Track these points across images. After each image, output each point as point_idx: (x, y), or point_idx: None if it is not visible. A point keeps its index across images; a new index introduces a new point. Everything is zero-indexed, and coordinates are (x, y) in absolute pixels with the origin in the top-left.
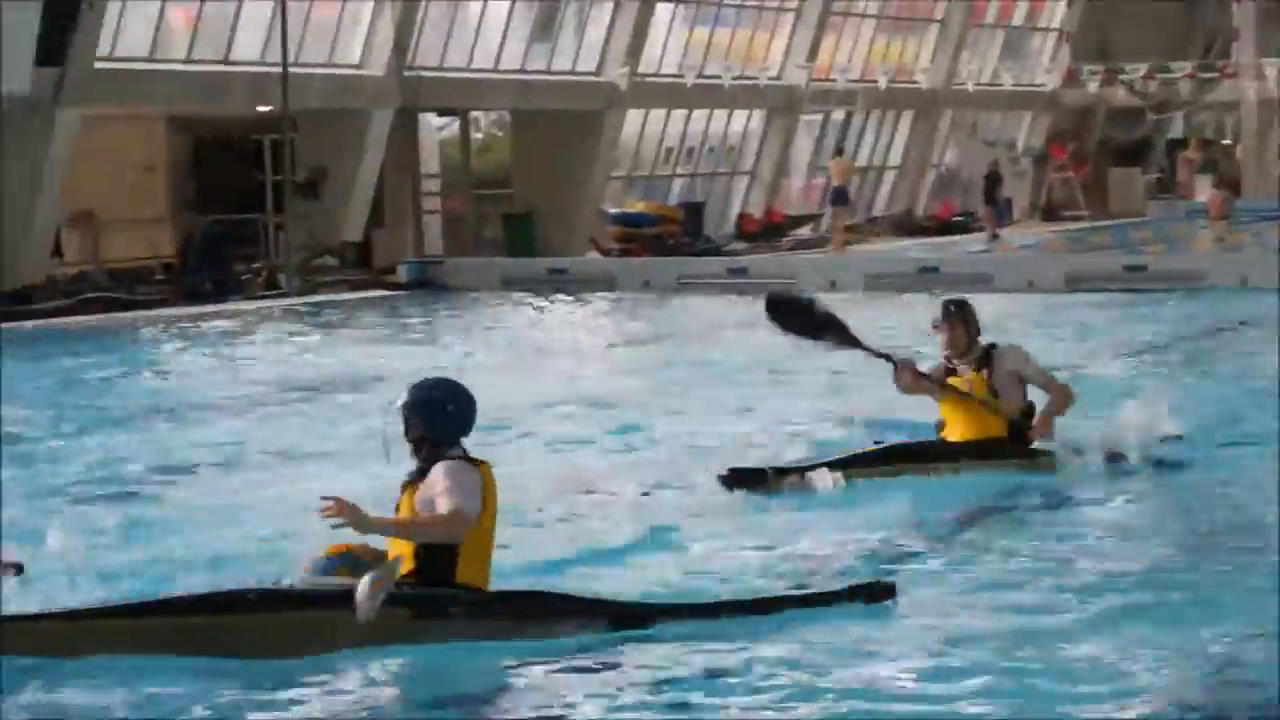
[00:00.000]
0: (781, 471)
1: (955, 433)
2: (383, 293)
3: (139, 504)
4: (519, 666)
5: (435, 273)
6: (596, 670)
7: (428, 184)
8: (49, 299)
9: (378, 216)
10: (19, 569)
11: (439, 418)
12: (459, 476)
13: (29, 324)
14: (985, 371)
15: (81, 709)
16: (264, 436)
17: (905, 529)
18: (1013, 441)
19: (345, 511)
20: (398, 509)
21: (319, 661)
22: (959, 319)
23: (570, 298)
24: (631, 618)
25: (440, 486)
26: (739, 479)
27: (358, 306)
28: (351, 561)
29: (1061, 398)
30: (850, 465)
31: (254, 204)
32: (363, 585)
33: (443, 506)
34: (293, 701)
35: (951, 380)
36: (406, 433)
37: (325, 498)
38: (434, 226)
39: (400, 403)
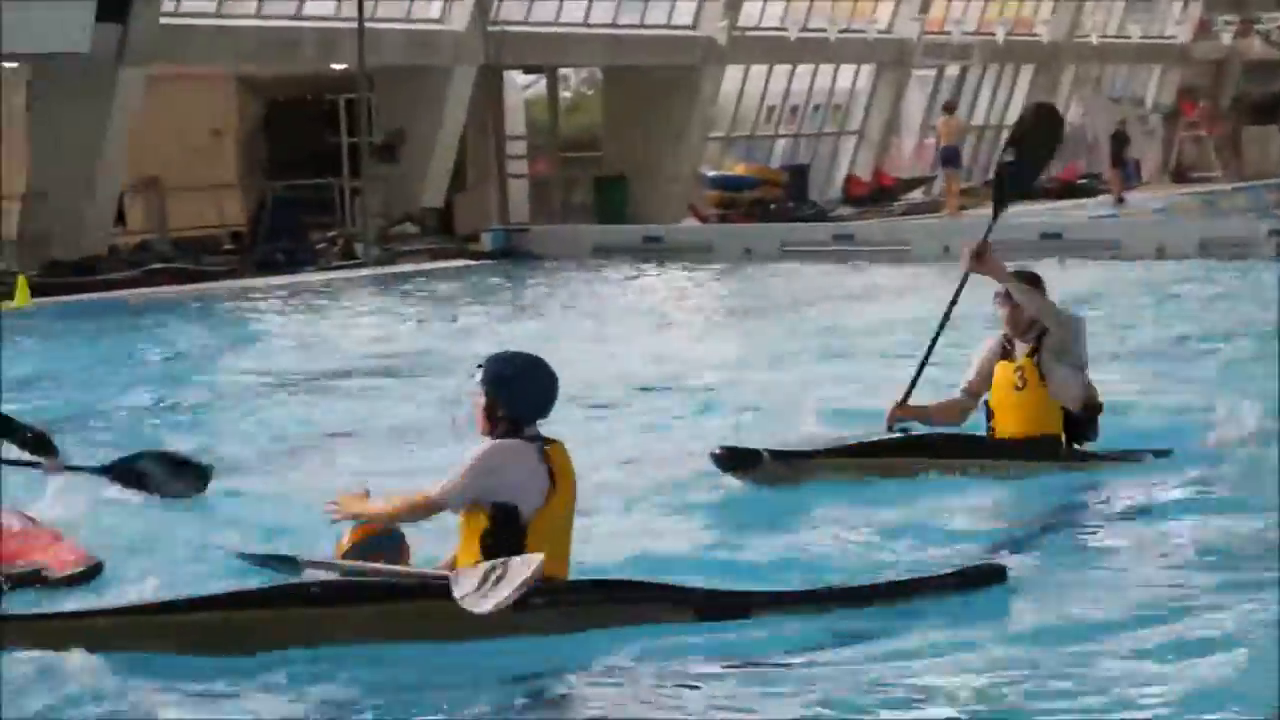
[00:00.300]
0: (778, 455)
1: (1000, 426)
2: (465, 262)
3: (251, 481)
4: (603, 658)
5: (521, 241)
6: (686, 662)
7: (512, 146)
8: (111, 270)
9: (459, 181)
10: (96, 570)
11: (514, 395)
12: (475, 457)
13: (90, 296)
14: (1036, 356)
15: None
16: (339, 414)
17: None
18: (1068, 440)
19: (348, 507)
20: None
21: (387, 653)
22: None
23: (665, 267)
24: (724, 607)
25: (454, 469)
26: (732, 459)
27: (439, 276)
28: (397, 543)
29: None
30: (860, 455)
31: (328, 168)
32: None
33: (431, 489)
34: (372, 690)
35: (1001, 365)
36: (478, 410)
37: (331, 503)
38: (519, 191)
39: (475, 378)
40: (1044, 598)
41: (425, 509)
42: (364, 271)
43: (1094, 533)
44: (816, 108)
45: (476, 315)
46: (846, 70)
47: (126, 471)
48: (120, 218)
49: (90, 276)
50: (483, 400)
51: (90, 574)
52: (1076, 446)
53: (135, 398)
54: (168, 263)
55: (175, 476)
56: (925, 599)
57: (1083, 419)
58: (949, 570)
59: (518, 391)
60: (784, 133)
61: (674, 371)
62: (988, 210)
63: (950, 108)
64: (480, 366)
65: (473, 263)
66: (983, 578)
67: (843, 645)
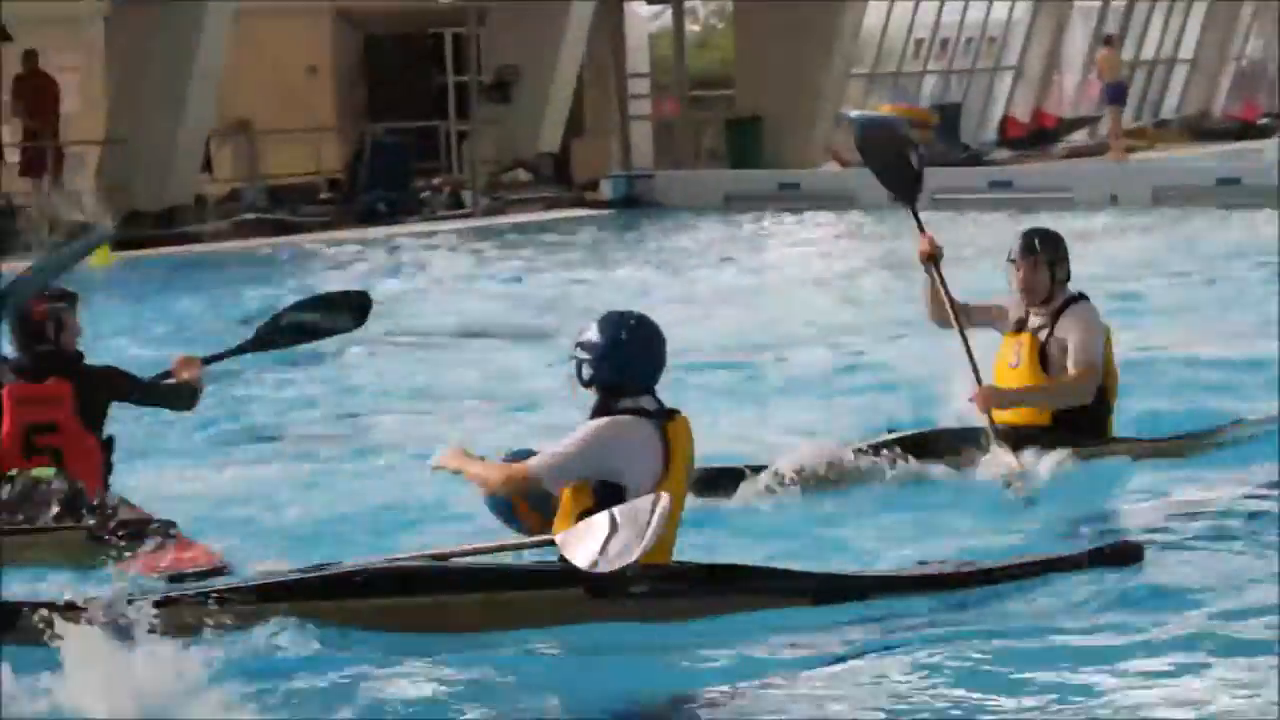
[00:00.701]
0: (759, 470)
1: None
2: (583, 212)
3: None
4: (711, 647)
5: (644, 188)
6: (799, 651)
7: (635, 85)
8: (198, 221)
9: (577, 124)
10: (222, 572)
11: (617, 360)
12: (585, 435)
13: (175, 250)
14: (1045, 332)
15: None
16: (446, 376)
17: None
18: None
19: (451, 460)
20: None
21: (490, 640)
22: (1043, 258)
23: (804, 217)
24: (841, 591)
25: (557, 444)
26: (706, 484)
27: (553, 228)
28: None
29: (1058, 391)
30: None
31: (433, 110)
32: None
33: (529, 460)
34: (471, 683)
35: (1008, 338)
36: (580, 374)
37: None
38: (642, 135)
39: (578, 340)
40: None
41: (521, 483)
42: (472, 222)
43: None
44: (969, 41)
45: (594, 270)
46: (1002, 0)
47: (277, 333)
48: (207, 165)
49: (175, 228)
50: (586, 364)
51: (218, 574)
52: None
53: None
54: (260, 213)
55: (333, 314)
56: (1057, 578)
57: (1091, 409)
58: (1085, 550)
59: (617, 356)
60: (933, 69)
61: (813, 334)
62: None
63: (1110, 40)
64: (584, 328)
65: (591, 213)
66: (1119, 556)
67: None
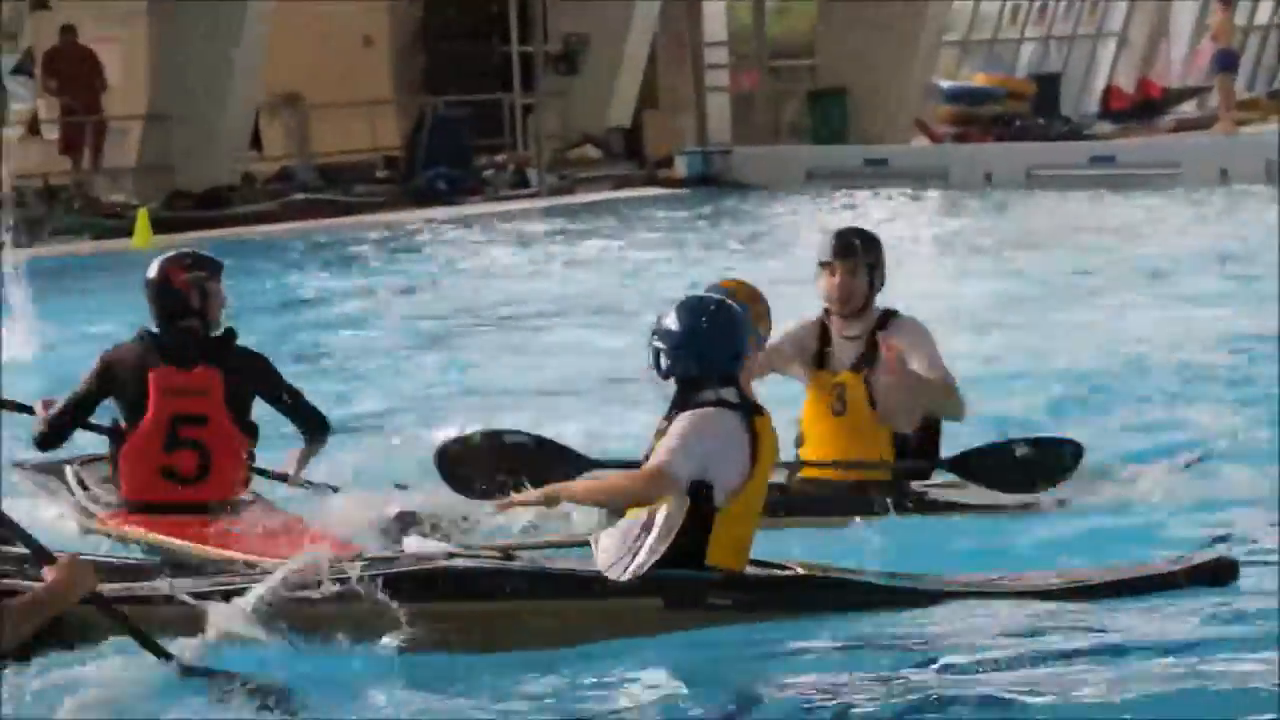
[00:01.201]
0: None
1: (815, 451)
2: (657, 190)
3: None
4: (788, 657)
5: (722, 165)
6: (875, 661)
7: (711, 55)
8: (246, 201)
9: (649, 96)
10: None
11: (697, 349)
12: (692, 426)
13: (221, 232)
14: (866, 367)
15: None
16: (513, 365)
17: None
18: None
19: (531, 500)
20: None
21: (562, 654)
22: (861, 261)
23: (892, 194)
24: (919, 599)
25: (665, 438)
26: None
27: (625, 207)
28: None
29: (940, 394)
30: None
31: (496, 82)
32: None
33: (649, 462)
34: (541, 696)
35: (816, 378)
36: (658, 365)
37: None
38: (720, 108)
39: (655, 329)
40: None
41: (648, 487)
42: (538, 202)
43: None
44: (1070, 6)
45: (667, 252)
46: None
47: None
48: (255, 141)
49: (221, 209)
50: (662, 352)
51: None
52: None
53: (269, 349)
54: (311, 192)
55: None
56: (1149, 594)
57: (915, 441)
58: (1179, 566)
59: (696, 345)
60: (1031, 35)
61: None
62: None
63: (1227, 2)
64: (660, 313)
65: (665, 191)
66: (1214, 574)
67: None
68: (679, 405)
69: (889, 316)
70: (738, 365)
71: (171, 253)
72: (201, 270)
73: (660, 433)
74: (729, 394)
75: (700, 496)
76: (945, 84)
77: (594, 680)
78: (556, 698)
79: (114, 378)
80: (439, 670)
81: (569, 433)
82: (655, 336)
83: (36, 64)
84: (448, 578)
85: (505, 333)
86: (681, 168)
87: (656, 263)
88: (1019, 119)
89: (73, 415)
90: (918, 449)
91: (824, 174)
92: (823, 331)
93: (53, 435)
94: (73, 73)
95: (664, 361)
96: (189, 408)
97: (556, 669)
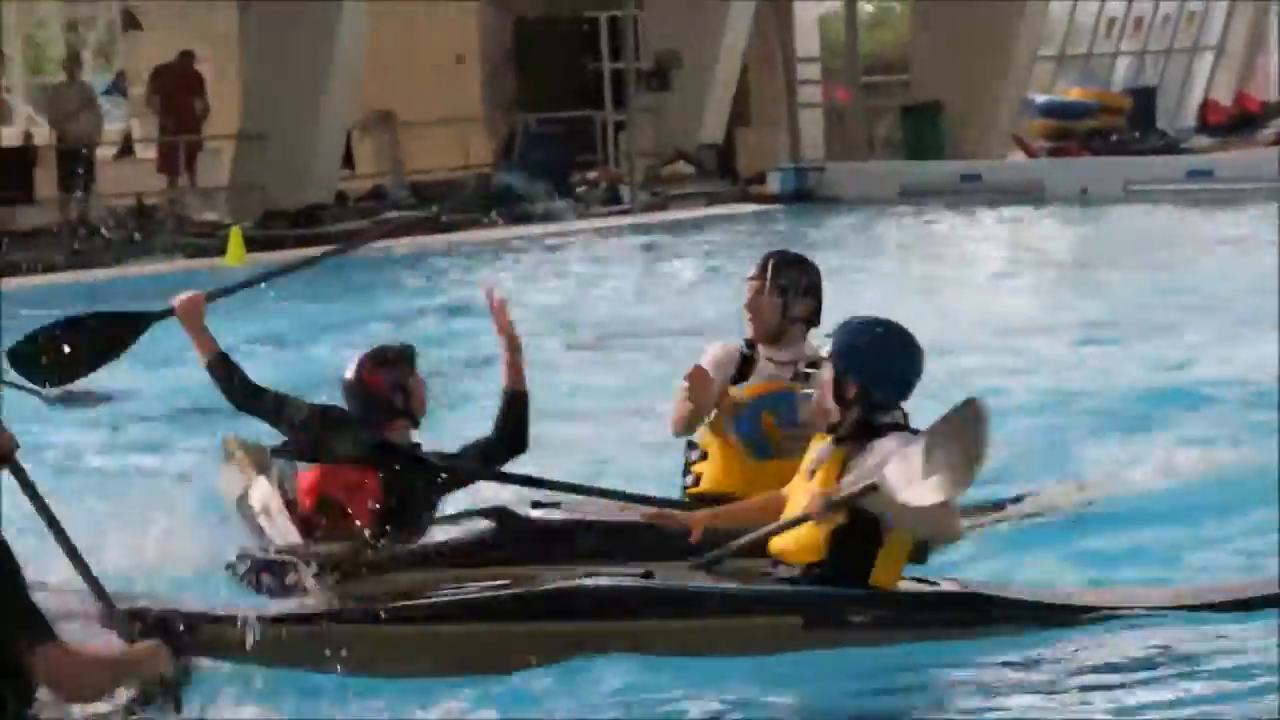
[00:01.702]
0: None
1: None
2: (750, 207)
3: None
4: (938, 670)
5: (815, 181)
6: (1032, 680)
7: (804, 71)
8: (339, 220)
9: (742, 113)
10: None
11: (875, 372)
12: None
13: (314, 250)
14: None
15: None
16: (611, 386)
17: None
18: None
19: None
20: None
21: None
22: (772, 281)
23: (987, 210)
24: (1074, 617)
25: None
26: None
27: (717, 224)
28: None
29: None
30: None
31: (588, 99)
32: None
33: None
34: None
35: (742, 391)
36: (840, 392)
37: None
38: (813, 124)
39: (828, 350)
40: None
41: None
42: (630, 219)
43: None
44: (1166, 19)
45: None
46: None
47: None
48: (348, 159)
49: (314, 228)
50: (830, 377)
51: None
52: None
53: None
54: (404, 210)
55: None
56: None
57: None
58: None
59: (882, 369)
60: (1127, 49)
61: (999, 334)
62: None
63: None
64: (829, 336)
65: (758, 208)
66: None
67: None
68: (859, 433)
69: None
70: (908, 393)
71: (368, 350)
72: (398, 365)
73: (842, 459)
74: (898, 417)
75: (868, 520)
76: (1040, 98)
77: (729, 698)
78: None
79: None
80: (566, 683)
81: (666, 460)
82: (839, 359)
83: (129, 84)
84: (586, 597)
85: (594, 351)
86: (774, 184)
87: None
88: (1115, 133)
89: None
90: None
91: (918, 190)
92: (745, 357)
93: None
94: (175, 92)
95: (841, 380)
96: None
97: (692, 684)
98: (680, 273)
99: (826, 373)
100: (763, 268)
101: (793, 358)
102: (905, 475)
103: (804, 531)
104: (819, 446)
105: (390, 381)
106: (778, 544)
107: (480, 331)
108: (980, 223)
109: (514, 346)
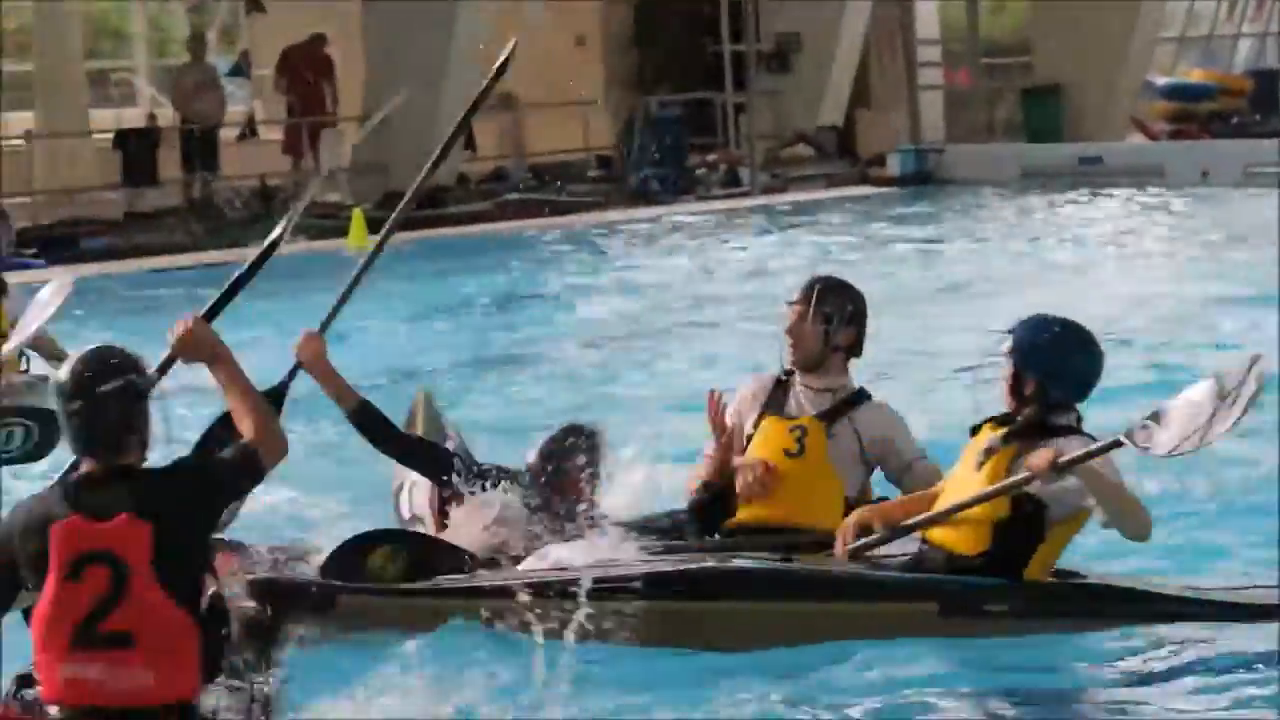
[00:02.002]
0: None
1: (746, 508)
2: (869, 189)
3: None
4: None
5: (935, 163)
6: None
7: (924, 53)
8: (460, 202)
9: (862, 95)
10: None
11: (1056, 372)
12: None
13: (436, 232)
14: (833, 420)
15: None
16: (725, 369)
17: None
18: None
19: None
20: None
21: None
22: (817, 309)
23: (1108, 193)
24: (1213, 612)
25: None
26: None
27: (837, 206)
28: None
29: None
30: None
31: (708, 81)
32: None
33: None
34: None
35: (771, 422)
36: (1019, 388)
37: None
38: (933, 106)
39: (1007, 345)
40: None
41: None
42: (749, 201)
43: None
44: None
45: (880, 252)
46: None
47: None
48: (469, 142)
49: (436, 209)
50: (1010, 374)
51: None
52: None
53: (485, 349)
54: (525, 192)
55: None
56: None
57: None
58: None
59: (1061, 367)
60: (1249, 31)
61: (1125, 321)
62: None
63: None
64: (1009, 333)
65: (878, 190)
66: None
67: None
68: (1033, 431)
69: (861, 396)
70: (1086, 395)
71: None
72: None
73: (1013, 454)
74: (1066, 419)
75: (1032, 513)
76: (1161, 81)
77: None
78: (825, 697)
79: None
80: (696, 669)
81: None
82: (1018, 355)
83: (253, 66)
84: (726, 579)
85: (713, 332)
86: (894, 166)
87: (866, 262)
88: (1236, 115)
89: None
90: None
91: (1038, 172)
92: (779, 383)
93: None
94: (304, 73)
95: (1020, 376)
96: None
97: (824, 670)
98: (799, 254)
99: (1005, 367)
100: (807, 292)
101: (829, 386)
102: (1161, 423)
103: (967, 524)
104: (988, 437)
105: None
106: (938, 535)
107: (596, 312)
108: (1100, 205)
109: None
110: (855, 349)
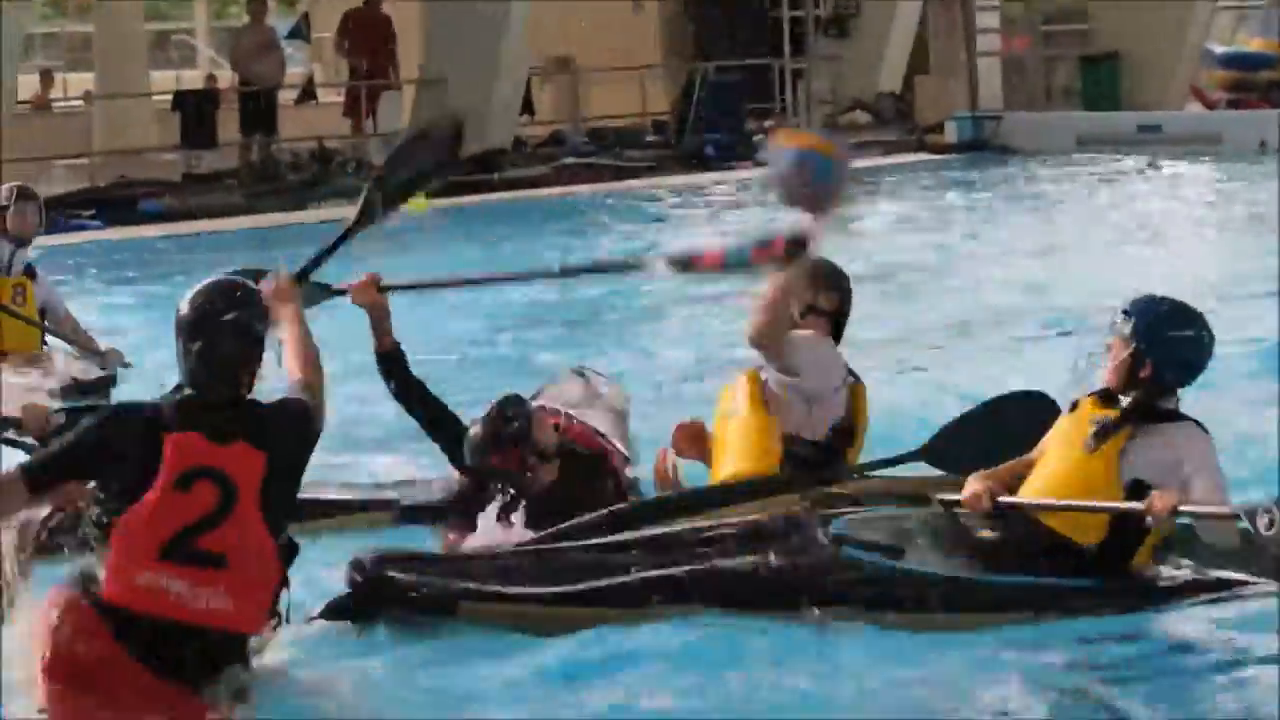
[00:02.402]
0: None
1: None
2: (927, 156)
3: None
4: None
5: (993, 131)
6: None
7: (983, 19)
8: (518, 166)
9: (920, 61)
10: None
11: (1172, 356)
12: (1212, 452)
13: (494, 197)
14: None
15: None
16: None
17: None
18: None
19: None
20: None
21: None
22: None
23: (1166, 162)
24: None
25: (1197, 462)
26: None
27: (896, 173)
28: None
29: None
30: None
31: (765, 47)
32: None
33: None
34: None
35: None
36: (1136, 368)
37: None
38: (991, 73)
39: (1128, 326)
40: None
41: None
42: None
43: None
44: None
45: (935, 220)
46: None
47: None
48: (527, 105)
49: (494, 174)
50: (1126, 355)
51: None
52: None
53: (542, 315)
54: (583, 156)
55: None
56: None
57: (809, 455)
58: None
59: (1181, 353)
60: None
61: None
62: None
63: None
64: (1126, 313)
65: (935, 157)
66: None
67: None
68: (1138, 414)
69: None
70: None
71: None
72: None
73: (1118, 434)
74: (1170, 403)
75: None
76: (1220, 49)
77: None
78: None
79: None
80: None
81: None
82: (1138, 337)
83: (311, 28)
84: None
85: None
86: (952, 133)
87: (925, 229)
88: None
89: None
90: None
91: (1096, 140)
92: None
93: None
94: (366, 36)
95: (1125, 358)
96: None
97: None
98: (854, 222)
99: (1119, 347)
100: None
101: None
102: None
103: (1086, 513)
104: (1094, 415)
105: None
106: (1052, 519)
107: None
108: (1158, 174)
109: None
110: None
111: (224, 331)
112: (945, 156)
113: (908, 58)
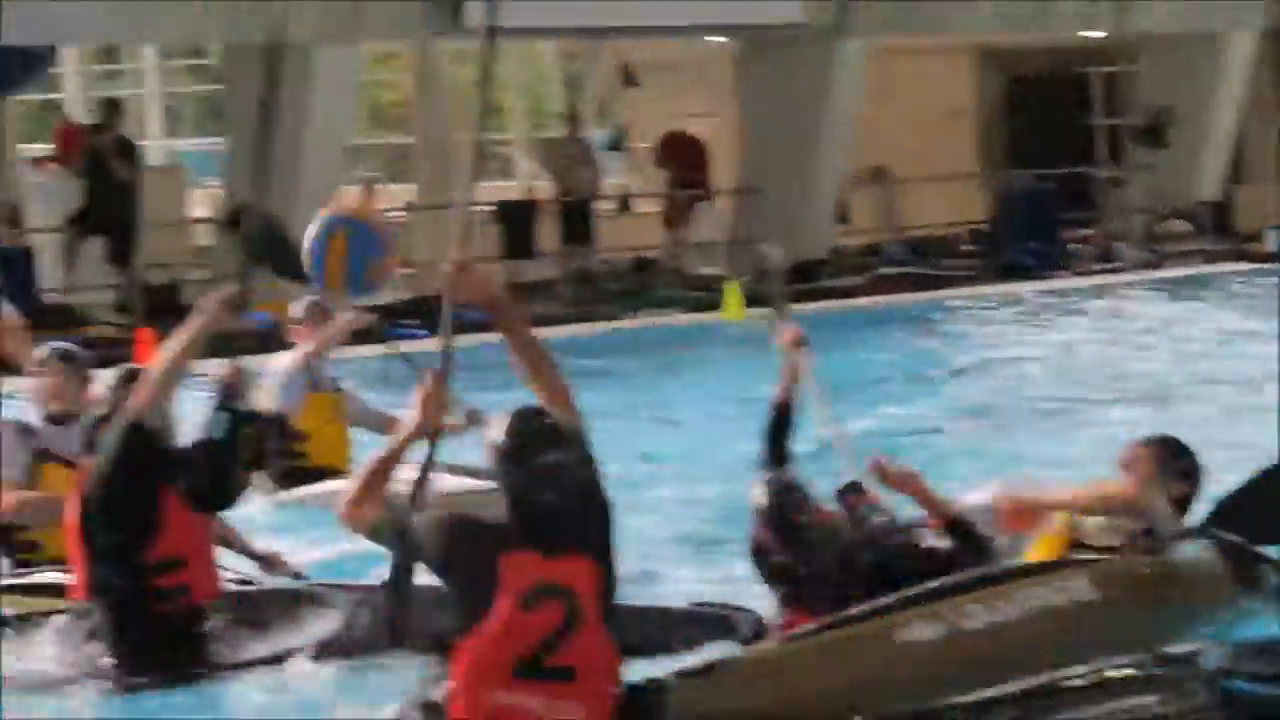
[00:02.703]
0: None
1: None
2: (1247, 265)
3: None
4: None
5: None
6: None
7: None
8: (835, 275)
9: (1238, 169)
10: None
11: None
12: None
13: (810, 306)
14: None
15: None
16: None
17: None
18: None
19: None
20: None
21: None
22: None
23: None
24: None
25: None
26: None
27: (1216, 281)
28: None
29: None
30: None
31: (1081, 155)
32: None
33: None
34: None
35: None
36: None
37: None
38: None
39: None
40: None
41: None
42: (1124, 276)
43: None
44: None
45: (1257, 327)
46: None
47: None
48: (843, 215)
49: (810, 282)
50: None
51: None
52: None
53: (858, 423)
54: (898, 266)
55: None
56: None
57: None
58: None
59: None
60: None
61: None
62: None
63: None
64: None
65: (1255, 266)
66: None
67: None
68: None
69: None
70: None
71: None
72: None
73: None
74: None
75: None
76: None
77: None
78: None
79: None
80: None
81: None
82: None
83: (629, 140)
84: None
85: (1078, 409)
86: (1271, 242)
87: (1245, 340)
88: None
89: None
90: None
91: None
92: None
93: None
94: (683, 152)
95: None
96: None
97: None
98: (1179, 331)
99: None
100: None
101: None
102: None
103: None
104: None
105: None
106: None
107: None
108: None
109: None
110: None
111: (558, 493)
112: (1265, 265)
113: (1226, 166)
